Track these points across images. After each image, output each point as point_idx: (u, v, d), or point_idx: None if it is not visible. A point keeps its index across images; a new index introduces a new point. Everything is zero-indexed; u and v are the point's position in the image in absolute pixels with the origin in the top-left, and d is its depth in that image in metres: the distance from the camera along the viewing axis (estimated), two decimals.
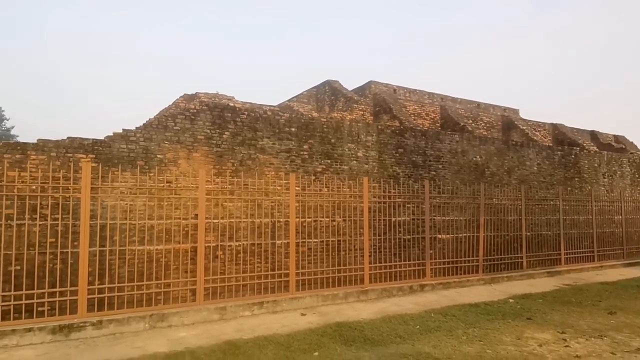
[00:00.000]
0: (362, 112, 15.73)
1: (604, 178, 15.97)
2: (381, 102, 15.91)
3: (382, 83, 17.45)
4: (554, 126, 20.48)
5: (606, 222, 14.18)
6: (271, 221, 8.60)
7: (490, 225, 11.09)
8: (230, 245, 7.87)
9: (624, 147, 21.64)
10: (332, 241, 9.11)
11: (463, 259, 10.42)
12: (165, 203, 7.38)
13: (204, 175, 7.26)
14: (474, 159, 12.49)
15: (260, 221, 8.33)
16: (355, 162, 10.45)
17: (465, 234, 10.70)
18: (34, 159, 6.97)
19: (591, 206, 13.54)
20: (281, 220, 8.64)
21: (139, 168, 7.38)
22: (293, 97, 18.92)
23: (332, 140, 10.15)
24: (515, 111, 20.53)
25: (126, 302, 6.56)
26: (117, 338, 5.87)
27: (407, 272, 9.66)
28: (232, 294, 7.37)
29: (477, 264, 10.49)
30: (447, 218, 10.88)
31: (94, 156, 7.40)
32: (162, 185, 7.39)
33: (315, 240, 8.99)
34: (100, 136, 7.63)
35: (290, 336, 5.69)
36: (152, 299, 6.77)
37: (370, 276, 8.86)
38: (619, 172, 16.62)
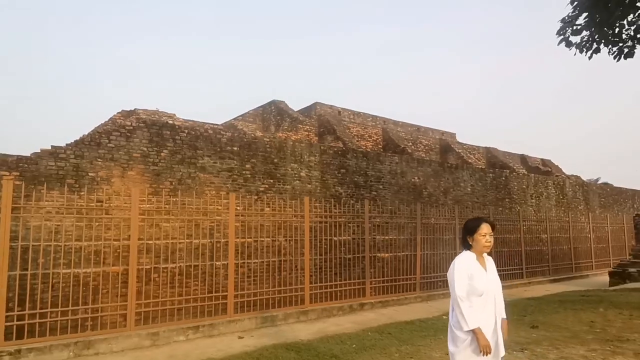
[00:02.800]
0: (307, 133, 15.97)
1: (532, 199, 17.15)
2: (325, 123, 16.25)
3: (327, 105, 17.86)
4: (487, 150, 21.82)
5: (534, 241, 15.18)
6: (210, 242, 8.44)
7: (427, 243, 11.53)
8: (165, 267, 7.62)
9: (550, 170, 23.42)
10: (273, 261, 9.07)
11: (401, 277, 10.73)
12: (96, 223, 7.05)
13: (138, 194, 7.03)
14: (412, 180, 13.01)
15: (199, 242, 8.15)
16: (298, 181, 10.55)
17: (404, 253, 11.06)
18: None
19: (520, 225, 14.47)
20: (221, 240, 8.50)
21: (66, 187, 7.02)
22: (239, 116, 18.86)
23: (275, 160, 10.21)
24: (453, 135, 21.70)
25: (49, 329, 6.14)
26: None
27: (348, 291, 9.78)
28: (167, 319, 7.11)
29: (414, 282, 10.84)
30: (387, 237, 11.21)
31: (18, 174, 6.96)
32: (93, 204, 7.06)
33: (256, 260, 8.91)
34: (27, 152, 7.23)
35: None
36: (78, 326, 6.38)
37: (310, 296, 8.89)
38: (545, 194, 17.92)
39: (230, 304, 7.72)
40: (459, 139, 22.03)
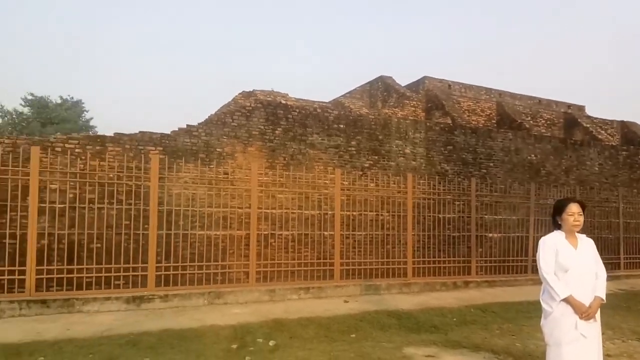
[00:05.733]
0: (413, 109, 15.81)
1: None
2: (433, 98, 15.89)
3: (437, 79, 17.36)
4: (623, 124, 19.28)
5: None
6: (319, 213, 9.08)
7: (543, 225, 10.85)
8: (280, 234, 8.47)
9: None
10: (378, 234, 9.41)
11: (511, 258, 10.34)
12: (223, 193, 8.08)
13: (257, 168, 7.88)
14: (529, 157, 12.24)
15: (309, 213, 8.83)
16: (402, 158, 10.69)
17: (515, 234, 10.58)
18: (111, 150, 7.94)
19: None
20: (329, 212, 9.08)
21: (199, 160, 8.14)
22: (346, 93, 19.30)
23: (380, 137, 10.45)
24: (581, 108, 19.56)
25: (188, 280, 7.35)
26: (180, 310, 6.63)
27: (452, 268, 9.77)
28: (281, 279, 7.98)
29: (526, 264, 10.37)
30: (497, 217, 10.80)
31: (161, 149, 8.27)
32: (220, 176, 8.10)
33: (361, 233, 9.33)
34: (167, 130, 8.52)
35: (331, 319, 6.15)
36: (210, 279, 7.51)
37: (413, 270, 9.11)
38: None
39: (337, 271, 8.33)
40: (589, 112, 19.80)
